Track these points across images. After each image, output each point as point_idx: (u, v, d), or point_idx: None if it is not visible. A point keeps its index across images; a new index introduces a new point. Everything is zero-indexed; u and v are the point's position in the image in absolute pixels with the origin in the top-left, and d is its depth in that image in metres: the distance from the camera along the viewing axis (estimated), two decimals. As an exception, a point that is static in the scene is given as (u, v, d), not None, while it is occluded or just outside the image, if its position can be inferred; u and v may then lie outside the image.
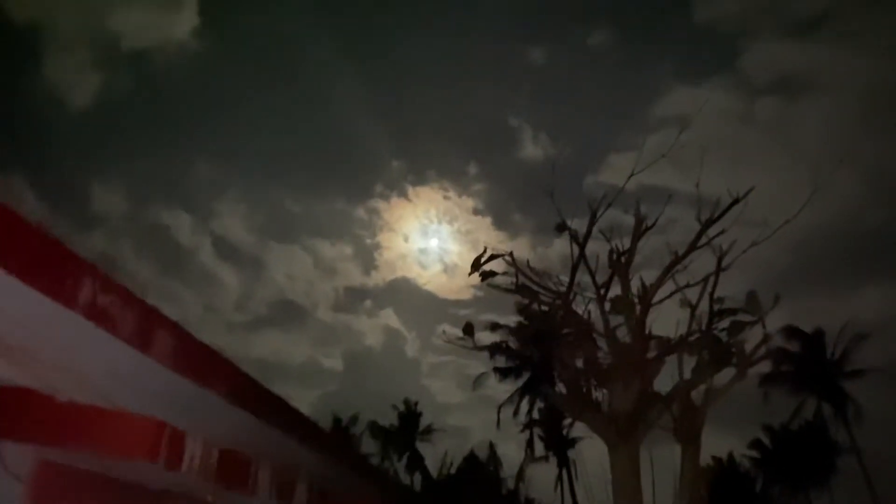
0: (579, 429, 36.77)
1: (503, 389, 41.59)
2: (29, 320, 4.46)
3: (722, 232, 10.92)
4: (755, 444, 51.26)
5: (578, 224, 11.77)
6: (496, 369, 40.03)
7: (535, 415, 40.74)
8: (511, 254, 11.43)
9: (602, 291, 11.12)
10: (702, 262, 11.37)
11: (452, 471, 40.36)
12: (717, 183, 11.37)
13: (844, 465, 43.57)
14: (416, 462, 42.84)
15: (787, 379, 43.63)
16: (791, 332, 42.97)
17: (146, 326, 5.40)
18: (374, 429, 44.38)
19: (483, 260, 11.60)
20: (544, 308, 11.95)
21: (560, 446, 42.32)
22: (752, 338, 11.04)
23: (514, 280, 11.68)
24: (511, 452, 44.38)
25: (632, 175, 10.99)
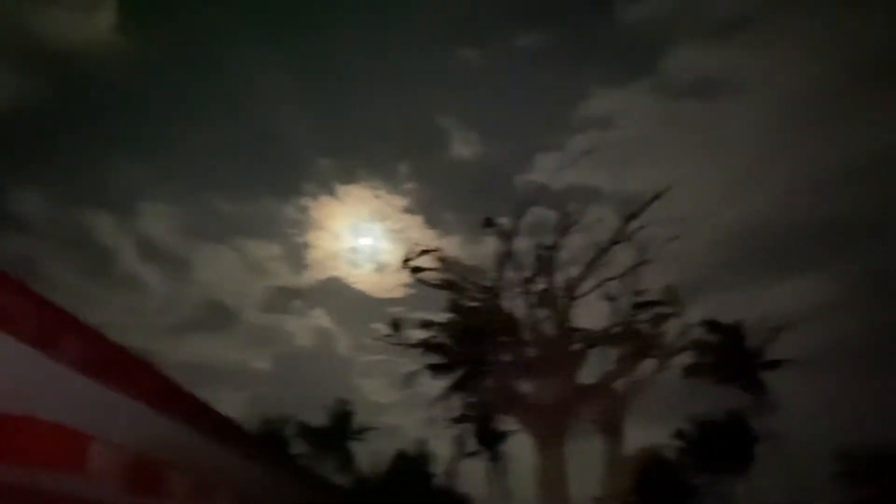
0: (511, 423, 37.32)
1: (436, 387, 41.65)
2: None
3: (643, 227, 11.20)
4: (679, 434, 52.90)
5: (507, 220, 11.87)
6: (429, 366, 40.17)
7: (468, 411, 41.00)
8: (441, 250, 11.43)
9: (528, 286, 11.24)
10: (624, 257, 11.65)
11: (383, 469, 40.20)
12: (641, 182, 11.70)
13: (763, 453, 45.38)
14: (347, 462, 42.56)
15: (708, 370, 45.15)
16: (712, 324, 44.47)
17: (53, 329, 5.14)
18: (304, 430, 43.87)
19: (414, 256, 11.57)
20: (474, 304, 12.01)
21: (491, 441, 42.69)
22: (672, 330, 11.36)
23: (444, 276, 11.68)
24: (444, 449, 44.49)
25: (556, 172, 11.15)
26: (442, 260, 11.73)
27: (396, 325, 11.86)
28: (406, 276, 11.60)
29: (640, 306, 11.20)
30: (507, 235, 11.45)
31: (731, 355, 44.76)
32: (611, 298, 11.38)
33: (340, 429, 44.90)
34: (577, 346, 11.01)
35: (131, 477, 5.11)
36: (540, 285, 11.44)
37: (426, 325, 37.35)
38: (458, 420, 41.10)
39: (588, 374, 11.22)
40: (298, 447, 41.80)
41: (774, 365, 44.64)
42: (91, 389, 5.63)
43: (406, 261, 11.60)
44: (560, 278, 11.62)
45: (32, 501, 5.13)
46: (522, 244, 11.82)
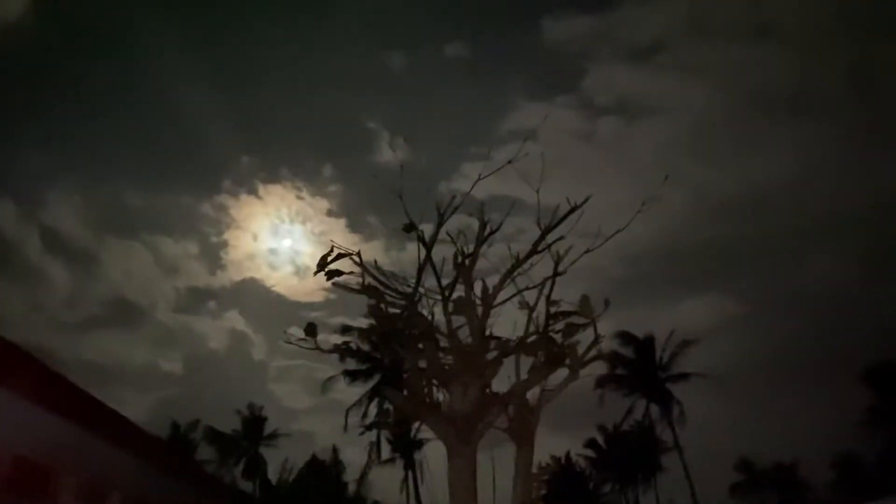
0: (427, 431, 37.25)
1: (353, 393, 41.37)
2: None
3: (560, 238, 11.38)
4: (590, 443, 54.21)
5: (429, 228, 11.85)
6: (345, 372, 39.75)
7: (383, 417, 40.83)
8: (359, 253, 11.28)
9: (446, 293, 11.22)
10: (541, 268, 11.79)
11: (293, 476, 39.59)
12: (558, 194, 11.89)
13: (668, 463, 47.01)
14: (255, 467, 41.72)
15: (620, 381, 46.50)
16: (625, 337, 45.86)
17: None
18: (212, 434, 42.77)
19: (330, 259, 11.36)
20: (393, 310, 11.90)
21: (407, 448, 42.62)
22: (585, 340, 11.55)
23: (361, 280, 11.53)
24: (358, 457, 44.13)
25: (478, 180, 11.20)
26: (359, 264, 11.56)
27: (312, 329, 11.60)
28: (325, 281, 11.36)
29: (554, 316, 11.34)
30: (426, 241, 11.40)
31: (642, 367, 46.24)
32: (527, 307, 11.48)
33: (252, 434, 43.95)
34: (492, 355, 11.06)
35: (14, 482, 4.78)
36: (458, 293, 11.44)
37: (345, 330, 36.89)
38: (374, 426, 40.85)
39: (501, 382, 11.28)
40: (206, 452, 40.71)
41: (682, 377, 46.37)
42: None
43: (322, 264, 11.38)
44: (478, 287, 11.64)
45: None
46: (442, 251, 11.80)
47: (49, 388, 6.21)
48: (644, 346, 47.10)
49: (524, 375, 11.04)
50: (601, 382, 43.83)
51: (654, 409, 47.11)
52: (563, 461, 56.50)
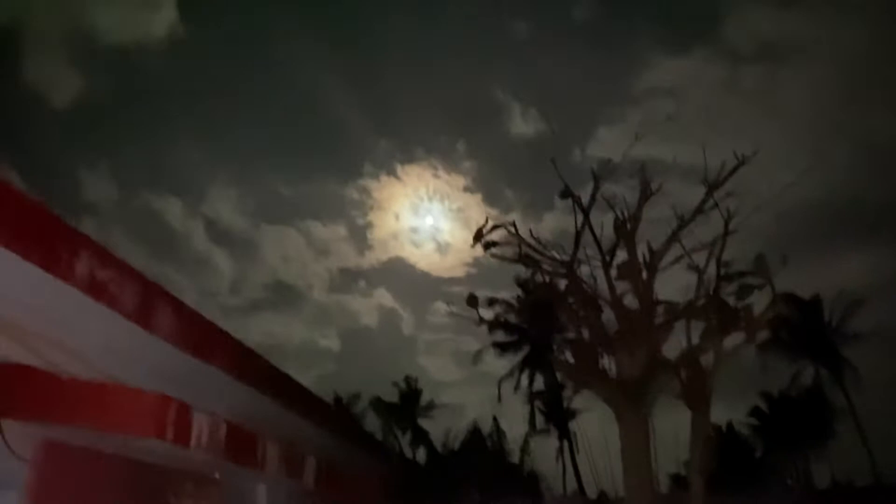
0: (580, 401, 36.93)
1: (500, 365, 41.69)
2: (27, 295, 4.26)
3: (728, 195, 10.78)
4: (754, 411, 51.61)
5: (576, 194, 11.65)
6: (495, 344, 40.06)
7: (537, 387, 40.91)
8: (514, 223, 11.24)
9: (608, 258, 10.95)
10: (704, 229, 11.25)
11: (456, 445, 40.56)
12: (713, 151, 11.30)
13: (842, 429, 43.92)
14: (421, 437, 43.03)
15: (785, 346, 43.82)
16: (788, 298, 43.01)
17: (146, 301, 5.21)
18: (378, 405, 44.51)
19: (486, 231, 11.40)
20: (546, 278, 11.80)
21: (561, 418, 42.48)
22: (759, 302, 10.93)
23: (518, 250, 11.49)
24: (510, 427, 44.52)
25: (636, 139, 10.81)
26: (515, 234, 11.53)
27: (473, 300, 11.73)
28: (468, 255, 11.48)
29: (725, 278, 10.78)
30: (584, 207, 11.18)
31: (809, 330, 43.33)
32: (696, 270, 10.99)
33: (410, 406, 45.46)
34: (660, 320, 10.70)
35: (230, 447, 5.16)
36: (619, 258, 11.15)
37: (492, 302, 37.20)
38: (530, 397, 41.06)
39: (672, 347, 10.91)
40: (371, 424, 42.51)
41: (854, 339, 43.04)
42: (182, 360, 5.71)
43: (478, 235, 11.43)
44: (641, 250, 11.29)
45: (142, 472, 5.24)
46: (594, 217, 11.55)
47: (245, 364, 6.64)
48: (810, 307, 43.98)
49: (696, 340, 10.61)
50: (764, 347, 41.50)
51: (824, 374, 44.08)
52: (724, 430, 54.26)
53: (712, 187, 10.82)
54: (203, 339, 6.05)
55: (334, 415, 13.60)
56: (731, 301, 10.65)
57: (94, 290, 4.62)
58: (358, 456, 11.52)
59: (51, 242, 4.32)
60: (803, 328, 43.40)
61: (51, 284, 4.23)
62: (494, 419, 42.45)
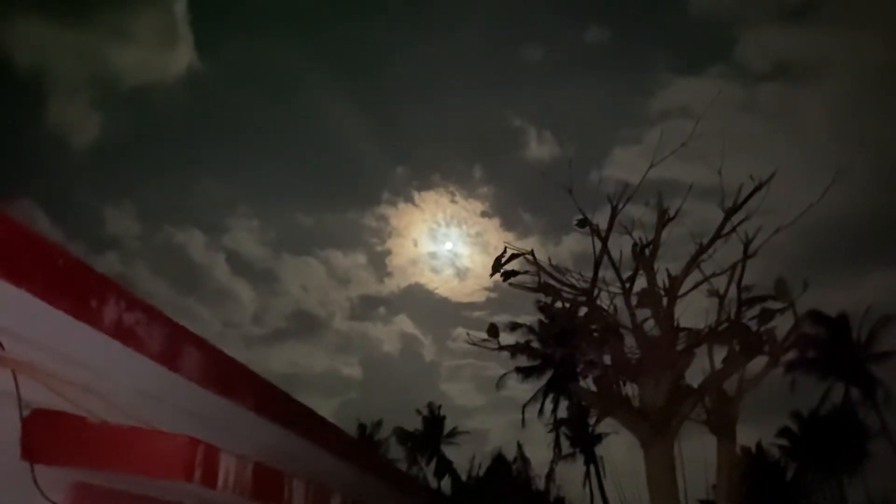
0: (606, 425, 36.53)
1: (522, 390, 41.56)
2: (55, 342, 4.39)
3: (745, 219, 10.76)
4: (784, 431, 50.68)
5: (594, 219, 11.65)
6: (518, 369, 39.89)
7: (560, 413, 40.62)
8: (532, 252, 11.28)
9: (627, 285, 10.94)
10: (723, 252, 11.21)
11: (481, 473, 40.29)
12: (730, 172, 11.27)
13: (876, 450, 43.00)
14: (445, 466, 42.77)
15: (813, 365, 43.17)
16: (815, 317, 42.46)
17: (172, 343, 5.33)
18: (401, 434, 44.37)
19: (504, 260, 11.44)
20: (566, 305, 11.79)
21: (587, 443, 42.05)
22: (780, 324, 10.84)
23: (537, 278, 11.51)
24: (534, 452, 44.16)
25: (651, 166, 10.84)
26: (534, 262, 11.56)
27: (494, 330, 11.75)
28: (487, 279, 11.47)
29: (747, 302, 10.73)
30: (600, 233, 11.20)
31: (837, 349, 42.63)
32: (716, 295, 10.94)
33: (434, 433, 45.22)
34: (682, 346, 10.65)
35: (257, 487, 5.22)
36: (639, 285, 11.13)
37: (514, 327, 37.02)
38: (555, 423, 40.74)
39: (695, 374, 10.84)
40: (394, 452, 42.36)
41: (884, 356, 42.24)
42: (209, 400, 5.79)
43: (496, 265, 11.47)
44: (660, 276, 11.26)
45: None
46: (612, 243, 11.55)
47: (271, 401, 6.71)
48: (837, 325, 43.33)
49: (719, 365, 10.55)
50: (792, 367, 40.88)
51: (854, 393, 43.30)
52: (754, 452, 53.31)
53: (729, 212, 10.81)
54: (229, 378, 6.15)
55: (361, 450, 13.60)
56: (753, 326, 10.60)
57: (122, 334, 4.74)
58: (385, 489, 11.50)
59: (80, 290, 4.45)
60: (831, 346, 42.74)
61: (80, 331, 4.37)
62: (519, 445, 42.19)
